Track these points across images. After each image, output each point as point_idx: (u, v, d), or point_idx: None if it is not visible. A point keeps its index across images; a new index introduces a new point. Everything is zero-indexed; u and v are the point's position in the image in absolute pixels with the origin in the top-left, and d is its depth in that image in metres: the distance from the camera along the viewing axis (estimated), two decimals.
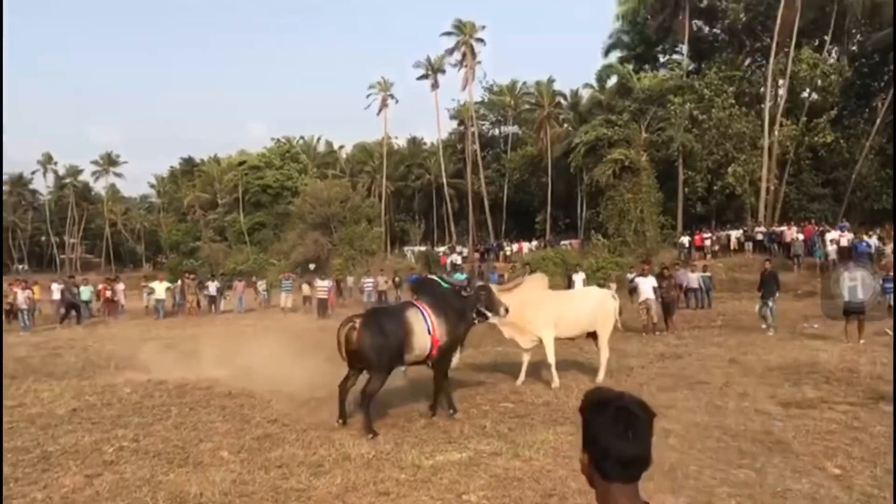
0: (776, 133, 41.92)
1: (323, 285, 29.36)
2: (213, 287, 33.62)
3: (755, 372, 11.72)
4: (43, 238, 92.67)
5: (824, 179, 44.69)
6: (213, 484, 6.08)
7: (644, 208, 40.75)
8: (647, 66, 52.64)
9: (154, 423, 8.89)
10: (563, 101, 62.55)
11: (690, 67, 50.10)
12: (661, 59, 54.40)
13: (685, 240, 39.55)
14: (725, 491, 5.82)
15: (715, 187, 44.17)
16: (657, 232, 41.79)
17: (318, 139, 78.64)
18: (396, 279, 34.93)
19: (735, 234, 38.40)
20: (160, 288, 30.28)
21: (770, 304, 17.76)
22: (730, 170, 42.46)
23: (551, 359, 11.04)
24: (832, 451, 6.94)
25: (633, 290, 21.55)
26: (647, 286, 19.32)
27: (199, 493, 5.84)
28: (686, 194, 45.98)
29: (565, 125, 60.91)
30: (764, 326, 17.64)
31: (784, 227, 35.93)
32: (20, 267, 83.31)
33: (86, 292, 28.71)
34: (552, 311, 11.33)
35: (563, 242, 49.60)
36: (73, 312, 27.30)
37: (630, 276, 25.32)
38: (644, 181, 41.46)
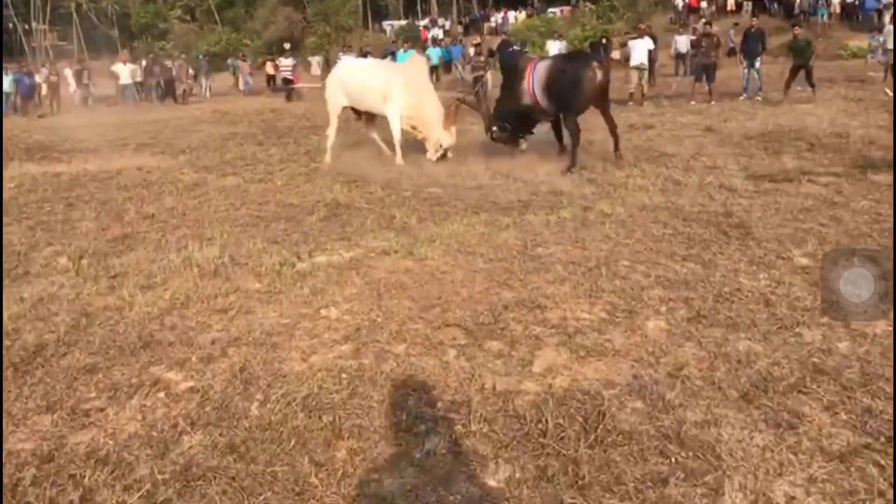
0: None
1: (287, 64, 27.13)
2: (174, 69, 31.12)
3: (731, 141, 10.25)
4: (10, 25, 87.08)
5: None
6: (17, 302, 4.79)
7: None
8: None
9: (11, 223, 7.51)
10: None
11: None
12: None
13: (679, 1, 36.48)
14: (657, 294, 4.52)
15: None
16: None
17: None
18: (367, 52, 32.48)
19: None
20: (125, 71, 27.54)
21: (756, 65, 15.93)
22: None
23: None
24: (803, 234, 5.60)
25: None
26: (640, 50, 17.30)
27: None
28: None
29: None
30: (744, 96, 15.93)
31: None
32: None
33: (7, 82, 25.74)
34: None
35: (550, 10, 46.05)
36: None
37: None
38: None
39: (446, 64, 28.54)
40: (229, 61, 33.10)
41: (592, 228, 6.08)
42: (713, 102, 15.82)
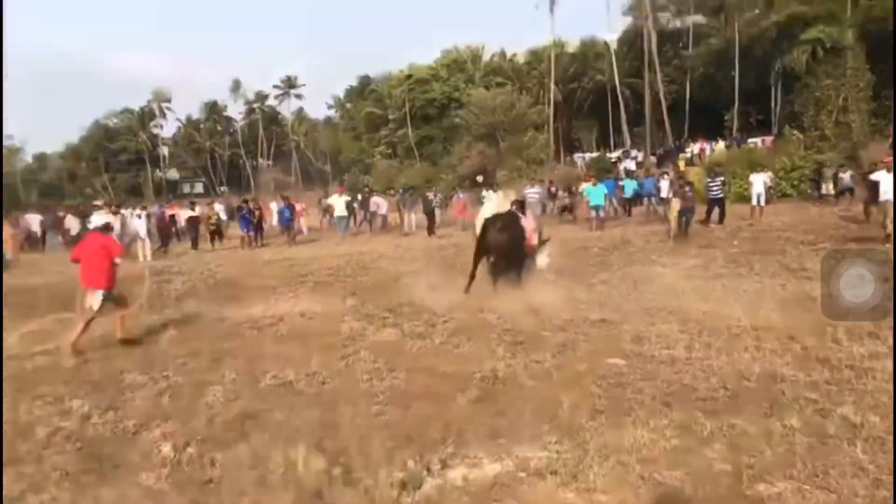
0: None
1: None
2: (374, 204, 30.61)
3: None
4: (240, 162, 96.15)
5: None
6: None
7: (849, 95, 34.44)
8: None
9: (146, 383, 6.91)
10: None
11: None
12: None
13: None
14: None
15: None
16: (865, 122, 35.32)
17: (484, 47, 74.55)
18: (552, 189, 31.73)
19: None
20: (340, 203, 27.37)
21: None
22: None
23: None
24: None
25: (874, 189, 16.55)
26: (890, 184, 14.82)
27: None
28: None
29: (756, 11, 52.98)
30: None
31: None
32: (222, 189, 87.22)
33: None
34: None
35: (750, 140, 43.73)
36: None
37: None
38: (849, 63, 34.90)
39: (638, 197, 27.22)
40: (429, 195, 31.19)
41: (836, 451, 4.34)
42: None
